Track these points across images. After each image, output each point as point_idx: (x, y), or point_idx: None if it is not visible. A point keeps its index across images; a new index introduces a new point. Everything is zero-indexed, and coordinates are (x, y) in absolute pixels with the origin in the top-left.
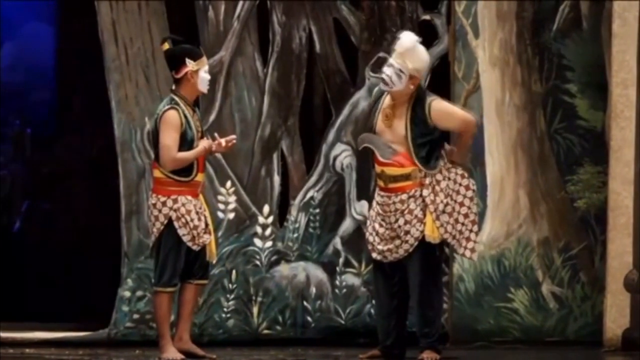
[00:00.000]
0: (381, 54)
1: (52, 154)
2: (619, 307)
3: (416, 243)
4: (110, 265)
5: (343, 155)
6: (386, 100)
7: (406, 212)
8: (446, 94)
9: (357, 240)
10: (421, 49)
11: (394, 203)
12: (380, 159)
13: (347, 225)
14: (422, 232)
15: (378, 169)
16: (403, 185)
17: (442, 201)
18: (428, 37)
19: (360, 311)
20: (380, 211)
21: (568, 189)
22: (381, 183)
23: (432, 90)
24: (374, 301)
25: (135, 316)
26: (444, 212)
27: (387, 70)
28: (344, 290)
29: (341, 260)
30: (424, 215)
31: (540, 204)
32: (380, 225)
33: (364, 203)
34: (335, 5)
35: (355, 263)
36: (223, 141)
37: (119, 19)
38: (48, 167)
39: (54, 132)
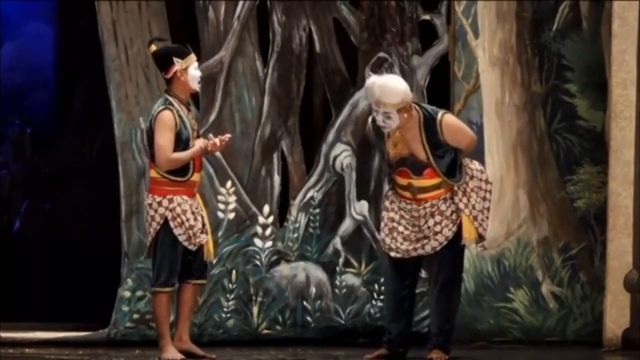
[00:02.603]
0: (381, 54)
1: (52, 154)
2: (619, 307)
3: (445, 242)
4: (110, 265)
5: (343, 155)
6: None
7: (436, 213)
8: (446, 94)
9: (357, 240)
10: (388, 80)
11: (424, 208)
12: (414, 175)
13: (347, 225)
14: (454, 232)
15: (404, 181)
16: (434, 194)
17: (476, 200)
18: (428, 37)
19: (360, 311)
20: (407, 216)
21: (568, 189)
22: (407, 194)
23: (432, 90)
24: (374, 301)
25: (135, 316)
26: (479, 210)
27: (378, 118)
28: (344, 290)
29: (341, 260)
30: (458, 216)
31: (540, 204)
32: (406, 228)
33: (364, 203)
34: (335, 5)
35: (355, 263)
36: (217, 140)
37: (119, 19)
38: (48, 167)
39: (54, 132)
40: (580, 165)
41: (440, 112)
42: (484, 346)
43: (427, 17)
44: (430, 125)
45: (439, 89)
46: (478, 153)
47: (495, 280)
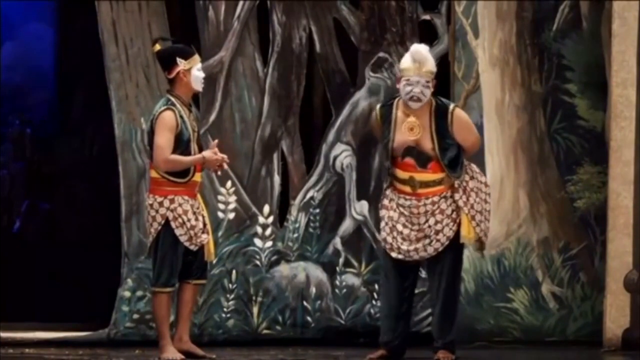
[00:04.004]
0: (381, 54)
1: (52, 154)
2: (619, 307)
3: (447, 242)
4: (110, 265)
5: (343, 155)
6: (400, 111)
7: (437, 212)
8: (446, 94)
9: (357, 240)
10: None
11: (424, 205)
12: (418, 167)
13: (347, 225)
14: (455, 231)
15: (404, 174)
16: (434, 189)
17: (475, 200)
18: (428, 37)
19: (360, 311)
20: (407, 213)
21: (568, 189)
22: (407, 188)
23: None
24: (374, 301)
25: (135, 316)
26: (477, 211)
27: (416, 88)
28: (344, 290)
29: (341, 260)
30: (457, 215)
31: (540, 204)
32: (405, 227)
33: (364, 203)
34: (335, 5)
35: (355, 263)
36: (220, 156)
37: (119, 19)
38: (48, 167)
39: (54, 132)
40: (580, 165)
41: (453, 104)
42: (484, 346)
43: (427, 17)
44: (441, 114)
45: (439, 89)
46: (478, 153)
47: (495, 280)
